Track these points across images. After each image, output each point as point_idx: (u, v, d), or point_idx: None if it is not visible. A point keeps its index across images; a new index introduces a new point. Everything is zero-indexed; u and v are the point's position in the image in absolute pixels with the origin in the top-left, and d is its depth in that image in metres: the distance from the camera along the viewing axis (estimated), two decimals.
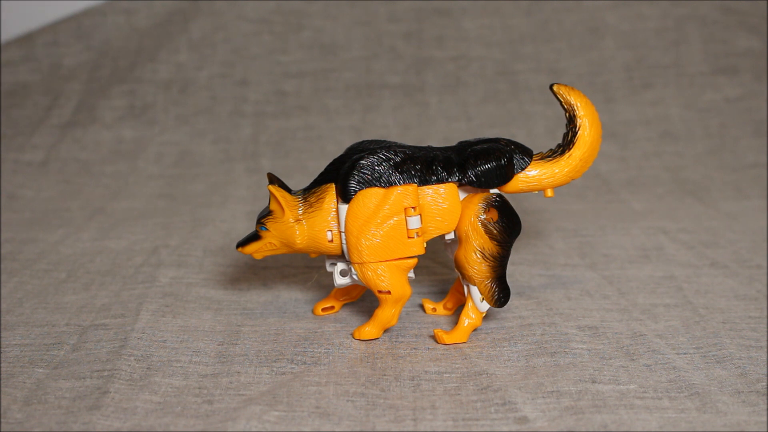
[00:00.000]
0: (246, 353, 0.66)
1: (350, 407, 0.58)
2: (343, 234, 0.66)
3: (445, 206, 0.66)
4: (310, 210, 0.67)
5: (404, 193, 0.65)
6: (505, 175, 0.66)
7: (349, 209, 0.65)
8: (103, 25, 1.41)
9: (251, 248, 0.69)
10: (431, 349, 0.67)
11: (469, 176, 0.66)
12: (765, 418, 0.56)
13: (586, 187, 1.17)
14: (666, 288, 0.80)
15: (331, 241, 0.67)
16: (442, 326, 0.71)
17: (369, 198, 0.65)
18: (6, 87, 1.37)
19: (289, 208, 0.67)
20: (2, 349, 0.67)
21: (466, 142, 0.68)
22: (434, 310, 0.74)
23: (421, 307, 0.76)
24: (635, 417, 0.56)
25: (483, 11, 1.41)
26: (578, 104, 0.69)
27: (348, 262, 0.68)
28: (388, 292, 0.66)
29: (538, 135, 1.29)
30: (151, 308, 0.74)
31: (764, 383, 0.61)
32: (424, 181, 0.66)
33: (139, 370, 0.63)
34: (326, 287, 0.79)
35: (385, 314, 0.67)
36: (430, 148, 0.67)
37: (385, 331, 0.70)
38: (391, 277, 0.66)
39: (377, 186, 0.65)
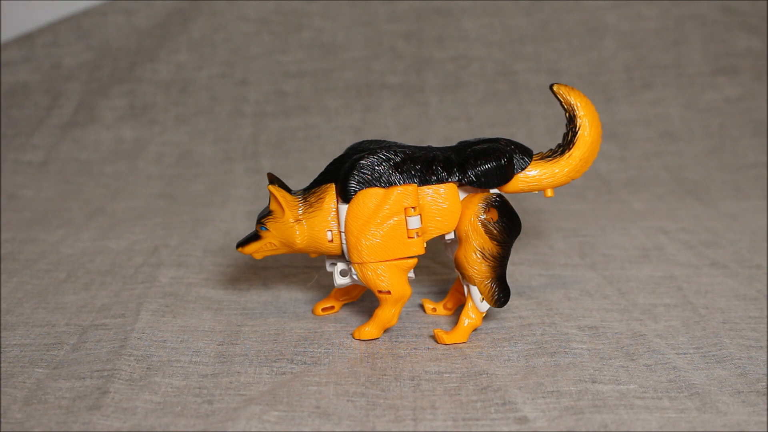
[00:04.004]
0: (246, 353, 0.66)
1: (350, 407, 0.58)
2: (343, 234, 0.66)
3: (445, 206, 0.66)
4: (310, 210, 0.67)
5: (404, 193, 0.65)
6: (505, 175, 0.66)
7: (349, 209, 0.65)
8: (103, 25, 1.41)
9: (251, 248, 0.69)
10: (431, 349, 0.67)
11: (469, 176, 0.66)
12: (765, 418, 0.56)
13: (586, 187, 1.17)
14: (666, 288, 0.80)
15: (331, 241, 0.67)
16: (442, 326, 0.71)
17: (369, 198, 0.65)
18: (6, 87, 1.37)
19: (289, 208, 0.67)
20: (2, 349, 0.67)
21: (466, 142, 0.68)
22: (434, 310, 0.74)
23: (421, 307, 0.76)
24: (635, 417, 0.56)
25: (483, 11, 1.41)
26: (578, 104, 0.69)
27: (348, 262, 0.68)
28: (388, 292, 0.66)
29: (538, 135, 1.29)
30: (151, 308, 0.74)
31: (764, 383, 0.61)
32: (424, 181, 0.66)
33: (139, 370, 0.63)
34: (326, 287, 0.79)
35: (385, 314, 0.67)
36: (430, 148, 0.67)
37: (385, 331, 0.70)
38: (391, 277, 0.66)
39: (377, 186, 0.65)
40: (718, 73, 1.35)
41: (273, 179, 0.68)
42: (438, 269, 0.84)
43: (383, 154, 0.65)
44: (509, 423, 0.56)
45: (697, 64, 1.36)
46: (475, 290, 0.67)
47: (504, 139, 0.68)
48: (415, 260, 0.67)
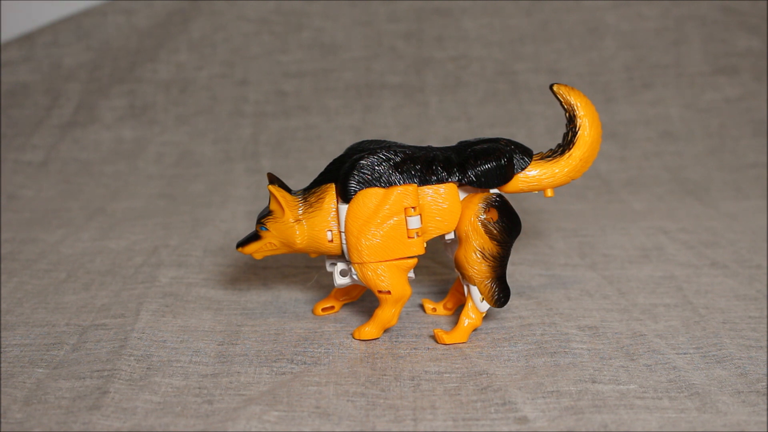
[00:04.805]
0: (246, 353, 0.66)
1: (350, 407, 0.58)
2: (343, 234, 0.66)
3: (445, 206, 0.66)
4: (310, 210, 0.67)
5: (404, 193, 0.65)
6: (505, 175, 0.66)
7: (349, 209, 0.65)
8: (103, 25, 1.41)
9: (251, 248, 0.69)
10: (431, 349, 0.67)
11: (469, 176, 0.66)
12: (765, 418, 0.56)
13: (586, 187, 1.17)
14: (666, 288, 0.80)
15: (331, 241, 0.67)
16: (442, 326, 0.71)
17: (369, 198, 0.65)
18: (6, 87, 1.37)
19: (289, 208, 0.67)
20: (2, 349, 0.67)
21: (466, 142, 0.68)
22: (434, 310, 0.74)
23: (421, 307, 0.76)
24: (635, 417, 0.56)
25: (483, 11, 1.41)
26: (578, 104, 0.69)
27: (348, 262, 0.68)
28: (388, 292, 0.66)
29: (538, 135, 1.29)
30: (151, 308, 0.74)
31: (764, 383, 0.61)
32: (424, 181, 0.66)
33: (139, 370, 0.63)
34: (326, 287, 0.79)
35: (385, 314, 0.67)
36: (430, 148, 0.67)
37: (385, 331, 0.70)
38: (391, 277, 0.66)
39: (377, 186, 0.65)
40: (718, 73, 1.35)
41: (273, 179, 0.68)
42: (438, 269, 0.84)
43: (383, 154, 0.65)
44: (509, 423, 0.56)
45: (697, 64, 1.36)
46: (475, 290, 0.67)
47: (504, 139, 0.68)
48: (415, 260, 0.67)
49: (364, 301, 0.76)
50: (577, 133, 0.69)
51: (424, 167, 0.65)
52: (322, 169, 0.69)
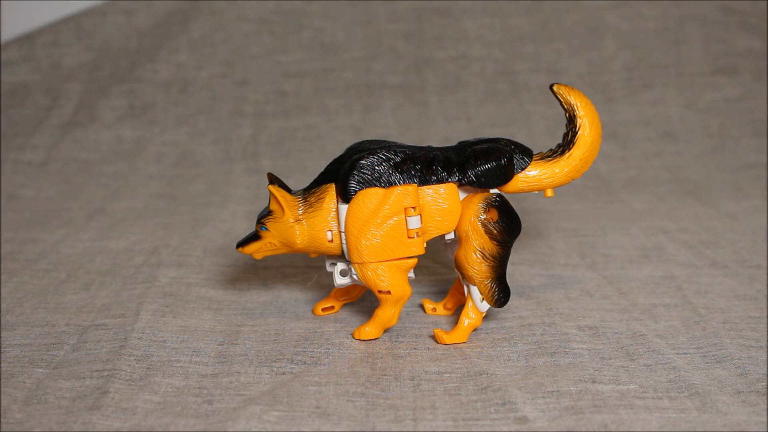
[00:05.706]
0: (246, 353, 0.66)
1: (350, 407, 0.58)
2: (343, 234, 0.66)
3: (445, 206, 0.66)
4: (310, 210, 0.67)
5: (404, 193, 0.65)
6: (505, 175, 0.66)
7: (349, 209, 0.65)
8: (103, 25, 1.41)
9: (251, 248, 0.69)
10: (431, 349, 0.67)
11: (469, 176, 0.66)
12: (765, 418, 0.56)
13: (586, 187, 1.17)
14: (666, 288, 0.80)
15: (331, 241, 0.67)
16: (442, 326, 0.71)
17: (369, 198, 0.65)
18: (6, 87, 1.37)
19: (289, 208, 0.67)
20: (2, 349, 0.67)
21: (466, 142, 0.68)
22: (434, 310, 0.74)
23: (421, 307, 0.76)
24: (635, 417, 0.56)
25: (483, 11, 1.41)
26: (578, 104, 0.69)
27: (348, 262, 0.68)
28: (388, 292, 0.66)
29: (538, 135, 1.29)
30: (151, 308, 0.74)
31: (764, 383, 0.61)
32: (424, 181, 0.66)
33: (139, 370, 0.63)
34: (326, 287, 0.79)
35: (385, 314, 0.67)
36: (430, 148, 0.67)
37: (385, 331, 0.70)
38: (391, 277, 0.66)
39: (377, 186, 0.65)
40: (718, 73, 1.35)
41: (273, 179, 0.68)
42: (438, 269, 0.84)
43: (383, 154, 0.65)
44: (509, 423, 0.56)
45: (697, 64, 1.36)
46: (475, 290, 0.67)
47: (504, 139, 0.68)
48: (415, 260, 0.67)
49: (364, 301, 0.76)
50: (577, 133, 0.69)
51: (424, 167, 0.65)
52: (322, 169, 0.69)
